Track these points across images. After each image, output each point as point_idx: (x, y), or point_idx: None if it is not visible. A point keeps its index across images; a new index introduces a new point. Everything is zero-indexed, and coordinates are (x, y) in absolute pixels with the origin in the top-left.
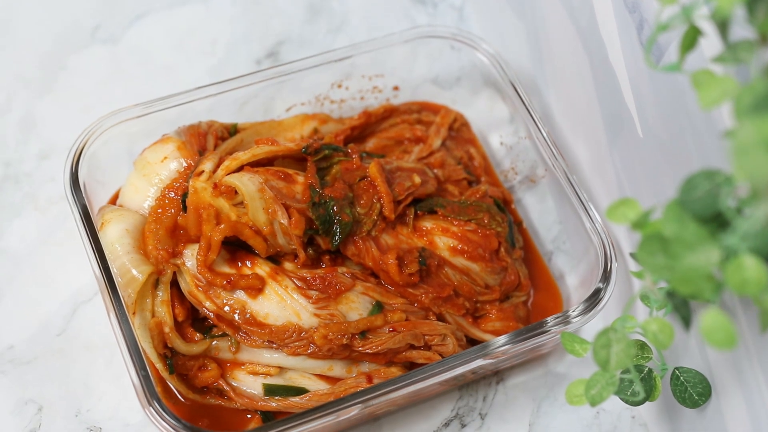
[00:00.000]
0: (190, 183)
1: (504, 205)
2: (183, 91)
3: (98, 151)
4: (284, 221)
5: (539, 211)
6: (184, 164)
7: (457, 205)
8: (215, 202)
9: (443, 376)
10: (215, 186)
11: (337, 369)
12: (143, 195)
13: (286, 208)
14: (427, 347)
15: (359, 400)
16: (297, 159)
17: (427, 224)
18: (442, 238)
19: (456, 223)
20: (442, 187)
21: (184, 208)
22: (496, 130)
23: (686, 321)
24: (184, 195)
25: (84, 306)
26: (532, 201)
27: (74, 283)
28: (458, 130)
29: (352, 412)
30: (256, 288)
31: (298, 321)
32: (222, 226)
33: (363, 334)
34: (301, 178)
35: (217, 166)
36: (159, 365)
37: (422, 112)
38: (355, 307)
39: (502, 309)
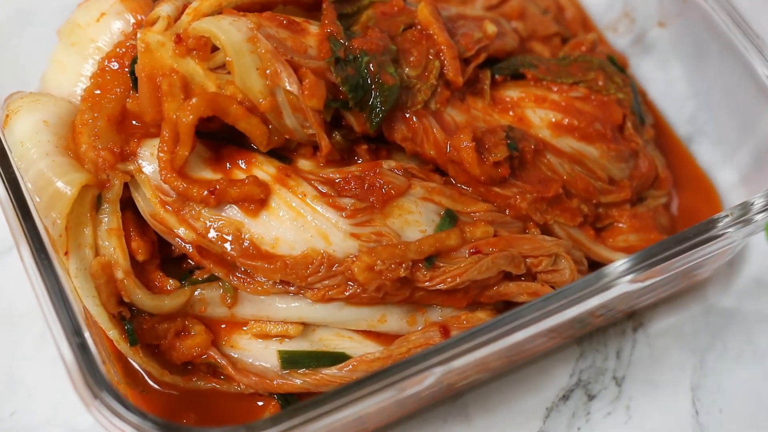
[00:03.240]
0: (139, 37)
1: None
2: None
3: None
4: (293, 87)
5: (663, 83)
6: (133, 22)
7: (555, 63)
8: (181, 64)
9: (556, 318)
10: (179, 39)
11: (392, 320)
12: (74, 74)
13: (295, 68)
14: (531, 276)
15: (431, 362)
16: (306, 7)
17: (512, 93)
18: (537, 110)
19: (556, 88)
20: (526, 46)
21: (135, 85)
22: None
23: None
24: (134, 62)
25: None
26: (651, 69)
27: None
28: None
29: (423, 383)
30: (257, 199)
31: (325, 246)
32: (194, 100)
33: (430, 260)
34: (314, 28)
35: (182, 11)
36: (112, 333)
37: None
38: (414, 219)
39: (636, 215)
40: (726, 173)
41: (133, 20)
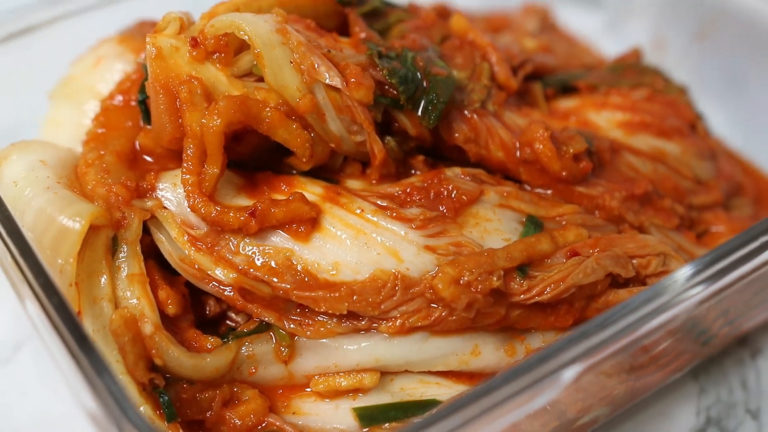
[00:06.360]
0: (148, 41)
1: None
2: None
3: None
4: (334, 81)
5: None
6: (134, 62)
7: (606, 72)
8: (200, 71)
9: (678, 307)
10: (195, 42)
11: (488, 351)
12: (72, 128)
13: (334, 64)
14: (640, 281)
15: (539, 379)
16: (328, 27)
17: (568, 103)
18: (601, 113)
19: (614, 93)
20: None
21: (147, 116)
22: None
23: None
24: (143, 88)
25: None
26: None
27: None
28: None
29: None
30: (306, 219)
31: (397, 265)
32: (221, 103)
33: (523, 270)
34: (344, 39)
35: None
36: (144, 408)
37: None
38: (495, 228)
39: (731, 219)
40: None
41: (135, 61)
